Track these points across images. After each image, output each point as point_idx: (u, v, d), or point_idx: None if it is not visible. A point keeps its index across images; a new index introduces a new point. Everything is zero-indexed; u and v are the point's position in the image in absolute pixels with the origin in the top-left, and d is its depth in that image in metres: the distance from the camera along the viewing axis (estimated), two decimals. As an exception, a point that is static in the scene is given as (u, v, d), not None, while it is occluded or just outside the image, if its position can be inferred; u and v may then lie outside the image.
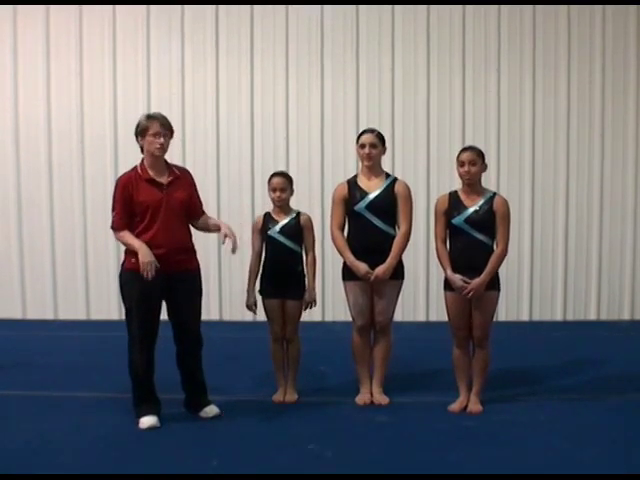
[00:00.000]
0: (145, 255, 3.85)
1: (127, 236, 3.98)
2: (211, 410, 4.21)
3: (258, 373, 4.87)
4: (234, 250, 3.98)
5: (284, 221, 4.40)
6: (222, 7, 7.06)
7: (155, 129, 4.02)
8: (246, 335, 6.47)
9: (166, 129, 4.05)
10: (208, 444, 3.76)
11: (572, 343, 6.26)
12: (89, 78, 7.11)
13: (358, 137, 4.41)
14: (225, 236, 3.97)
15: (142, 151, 4.14)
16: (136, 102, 7.09)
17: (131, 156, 7.05)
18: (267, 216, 4.46)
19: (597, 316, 7.28)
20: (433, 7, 7.07)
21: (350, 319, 4.47)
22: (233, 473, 3.39)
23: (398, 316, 7.17)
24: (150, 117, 4.07)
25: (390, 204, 4.31)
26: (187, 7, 7.05)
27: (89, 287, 7.22)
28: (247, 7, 7.06)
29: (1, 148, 7.17)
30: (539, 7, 7.06)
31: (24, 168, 7.16)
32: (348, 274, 4.36)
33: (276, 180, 4.40)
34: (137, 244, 3.92)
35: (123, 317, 7.37)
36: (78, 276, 7.20)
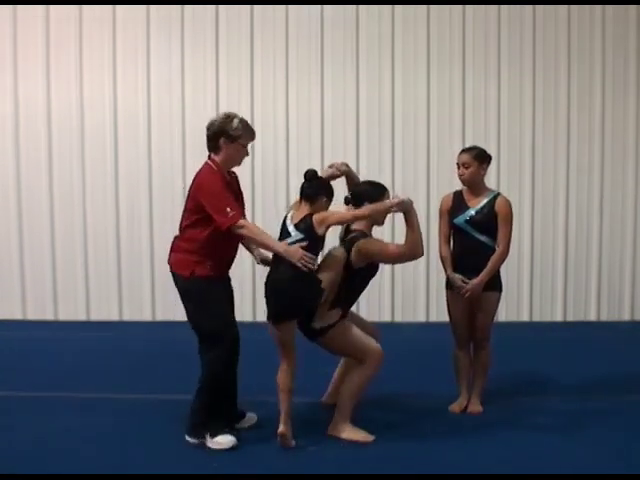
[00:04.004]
0: (296, 251, 3.58)
1: (256, 227, 3.71)
2: (252, 418, 4.06)
3: (257, 374, 4.87)
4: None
5: None
6: (222, 8, 7.05)
7: (247, 141, 3.81)
8: (246, 335, 6.45)
9: None
10: (208, 444, 3.76)
11: (572, 344, 6.26)
12: (89, 78, 7.08)
13: None
14: None
15: (216, 150, 3.79)
16: (136, 105, 7.09)
17: (132, 155, 7.13)
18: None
19: (597, 317, 7.28)
20: (433, 7, 7.07)
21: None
22: (233, 473, 3.39)
23: (398, 316, 7.23)
24: (248, 126, 3.80)
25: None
26: (186, 8, 7.04)
27: (89, 288, 7.20)
28: (247, 8, 7.05)
29: (1, 149, 7.16)
30: (539, 7, 7.07)
31: (24, 169, 7.14)
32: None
33: None
34: (278, 245, 3.63)
35: (123, 318, 7.42)
36: (78, 277, 7.19)
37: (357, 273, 3.82)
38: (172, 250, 3.88)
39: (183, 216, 3.85)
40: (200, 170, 3.81)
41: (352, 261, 3.77)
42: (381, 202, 3.75)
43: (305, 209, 3.74)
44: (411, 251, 3.73)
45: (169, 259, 3.88)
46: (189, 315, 3.79)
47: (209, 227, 3.66)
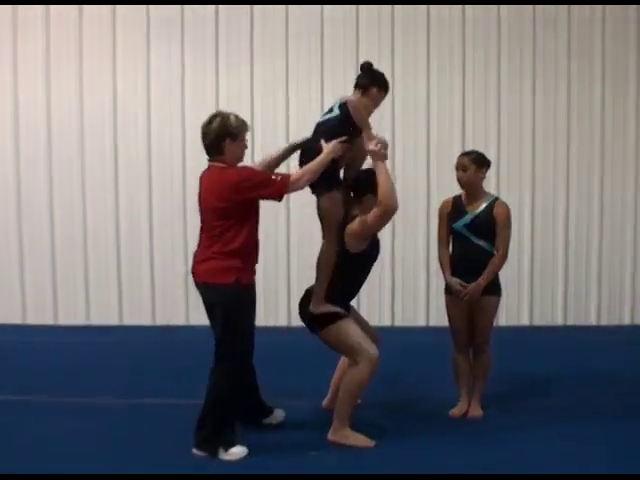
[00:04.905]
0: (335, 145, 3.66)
1: (302, 171, 3.70)
2: (280, 415, 4.04)
3: (258, 376, 4.87)
4: None
5: None
6: (222, 8, 7.02)
7: (245, 135, 3.72)
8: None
9: None
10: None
11: (572, 347, 6.24)
12: (89, 79, 7.05)
13: None
14: None
15: (219, 152, 3.65)
16: (136, 105, 7.07)
17: (131, 156, 7.10)
18: None
19: (597, 321, 7.25)
20: (433, 7, 7.04)
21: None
22: (232, 473, 3.38)
23: (398, 320, 7.21)
24: (241, 119, 3.71)
25: None
26: (186, 8, 7.00)
27: (89, 292, 7.16)
28: (247, 8, 7.02)
29: (1, 154, 7.12)
30: (539, 7, 7.04)
31: (24, 173, 7.10)
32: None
33: None
34: (325, 157, 3.63)
35: (123, 322, 7.37)
36: (78, 281, 7.14)
37: (354, 259, 3.81)
38: (202, 260, 3.67)
39: (211, 224, 3.64)
40: (213, 173, 3.66)
41: (346, 245, 3.78)
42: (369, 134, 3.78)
43: (356, 95, 3.87)
44: (385, 209, 3.67)
45: (197, 269, 3.69)
46: (217, 323, 3.63)
47: (243, 229, 3.59)
